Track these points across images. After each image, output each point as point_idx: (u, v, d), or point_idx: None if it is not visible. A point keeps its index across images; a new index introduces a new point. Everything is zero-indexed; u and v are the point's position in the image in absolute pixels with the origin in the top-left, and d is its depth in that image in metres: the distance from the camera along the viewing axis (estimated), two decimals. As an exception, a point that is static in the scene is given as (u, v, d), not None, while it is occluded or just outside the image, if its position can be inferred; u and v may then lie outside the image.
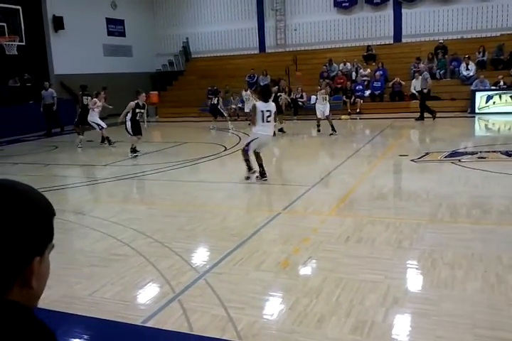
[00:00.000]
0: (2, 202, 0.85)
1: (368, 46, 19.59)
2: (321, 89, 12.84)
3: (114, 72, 20.18)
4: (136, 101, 10.27)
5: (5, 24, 14.35)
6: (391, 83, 17.53)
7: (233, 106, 18.08)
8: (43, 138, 14.95)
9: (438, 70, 17.78)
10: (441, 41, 18.44)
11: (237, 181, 7.86)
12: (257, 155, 7.52)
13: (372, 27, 20.39)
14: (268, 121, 7.20)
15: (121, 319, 3.47)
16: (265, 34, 22.08)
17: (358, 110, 16.81)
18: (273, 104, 7.41)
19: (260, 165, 7.53)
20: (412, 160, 8.62)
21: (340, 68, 19.02)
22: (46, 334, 0.86)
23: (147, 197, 7.38)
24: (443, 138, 11.47)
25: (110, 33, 21.29)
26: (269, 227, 5.42)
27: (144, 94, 10.49)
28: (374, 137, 12.39)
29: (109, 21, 21.18)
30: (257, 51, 22.26)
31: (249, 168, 7.67)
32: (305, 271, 4.25)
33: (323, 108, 12.73)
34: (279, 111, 12.52)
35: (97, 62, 19.79)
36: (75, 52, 18.64)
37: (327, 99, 12.87)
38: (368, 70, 18.46)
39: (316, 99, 13.19)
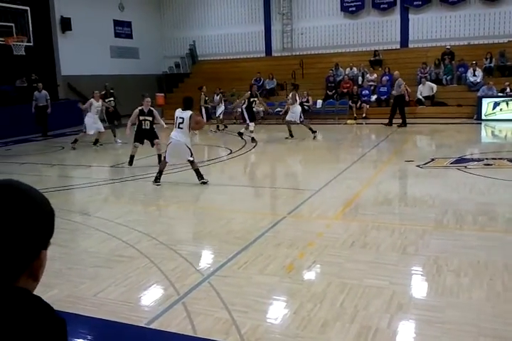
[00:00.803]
0: (14, 201, 0.92)
1: (375, 51, 19.60)
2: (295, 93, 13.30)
3: (120, 74, 20.26)
4: (140, 108, 9.34)
5: (13, 24, 14.44)
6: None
7: (239, 110, 18.08)
8: (49, 139, 15.00)
9: (445, 76, 17.75)
10: (449, 47, 18.43)
11: (242, 184, 7.87)
12: (190, 163, 7.82)
13: (379, 32, 20.40)
14: (180, 128, 7.61)
15: (125, 320, 3.47)
16: (272, 38, 22.13)
17: (364, 115, 16.80)
18: (188, 113, 7.66)
19: (195, 170, 7.79)
20: (418, 166, 8.60)
21: (347, 73, 19.03)
22: (57, 320, 0.92)
23: (153, 198, 7.39)
24: (449, 144, 11.44)
25: (117, 35, 21.39)
26: (274, 231, 5.42)
27: (147, 99, 9.38)
28: (380, 142, 12.37)
29: (117, 23, 21.28)
30: (263, 54, 22.31)
31: (156, 179, 7.85)
32: (309, 275, 4.25)
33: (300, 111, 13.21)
34: (253, 117, 12.76)
35: (104, 64, 19.88)
36: (82, 54, 18.73)
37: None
38: (375, 75, 18.45)
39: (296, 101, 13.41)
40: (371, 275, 4.07)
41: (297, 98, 13.44)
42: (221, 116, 16.01)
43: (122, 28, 21.61)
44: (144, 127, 9.29)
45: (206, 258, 4.87)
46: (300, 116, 13.20)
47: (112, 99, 13.97)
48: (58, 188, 7.79)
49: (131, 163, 9.38)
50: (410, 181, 8.14)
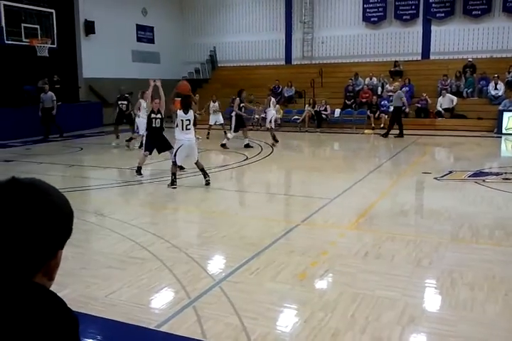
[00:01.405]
0: (36, 201, 0.93)
1: (396, 62, 19.53)
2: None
3: (141, 78, 20.45)
4: (152, 108, 9.00)
5: (38, 26, 14.69)
6: (417, 99, 17.43)
7: (256, 116, 18.15)
8: (69, 139, 15.20)
9: (465, 89, 17.60)
10: (470, 59, 18.28)
11: (256, 191, 7.87)
12: (196, 163, 8.05)
13: (401, 43, 20.33)
14: (188, 129, 7.91)
15: (135, 322, 3.48)
16: (292, 46, 22.20)
17: (382, 125, 16.71)
18: (192, 113, 8.12)
19: (202, 170, 8.06)
20: (435, 178, 8.51)
21: (366, 82, 18.98)
22: (70, 317, 0.94)
23: (167, 202, 7.43)
24: (468, 157, 11.31)
25: (139, 40, 21.65)
26: (287, 238, 5.40)
27: (156, 101, 9.06)
28: (397, 153, 12.28)
29: (139, 28, 21.55)
30: (283, 62, 22.38)
31: (173, 182, 7.93)
32: (322, 284, 4.22)
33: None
34: (242, 124, 12.71)
35: (125, 68, 20.12)
36: (104, 57, 19.00)
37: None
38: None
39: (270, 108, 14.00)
40: (384, 286, 4.03)
41: (271, 103, 14.04)
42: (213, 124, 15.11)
43: (144, 33, 21.88)
44: (154, 125, 8.98)
45: (218, 263, 4.87)
46: (270, 122, 13.86)
47: (125, 102, 13.95)
48: (75, 188, 7.88)
49: (139, 172, 8.98)
50: (427, 193, 8.06)
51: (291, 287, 4.06)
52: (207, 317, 3.52)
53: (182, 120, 7.91)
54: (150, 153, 9.05)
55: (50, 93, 14.95)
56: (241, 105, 12.87)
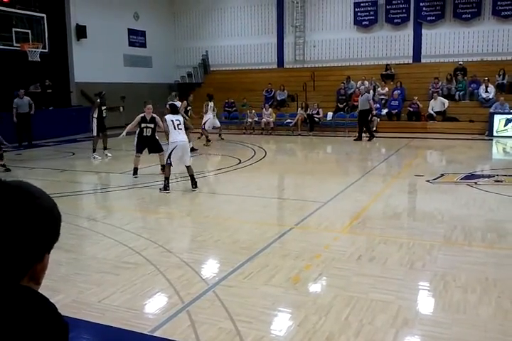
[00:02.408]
0: (22, 203, 0.92)
1: (387, 65, 19.66)
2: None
3: (133, 82, 20.47)
4: (142, 115, 9.29)
5: (29, 31, 14.62)
6: (409, 103, 17.54)
7: (249, 120, 18.18)
8: (61, 144, 15.12)
9: (457, 92, 17.73)
10: (461, 63, 18.43)
11: (249, 194, 7.87)
12: (188, 168, 8.05)
13: (392, 46, 20.47)
14: (180, 129, 7.98)
15: (129, 327, 3.47)
16: (284, 49, 22.28)
17: (374, 128, 16.77)
18: (180, 116, 8.36)
19: (191, 176, 8.04)
20: (428, 181, 8.55)
21: (358, 86, 19.06)
22: (61, 322, 0.93)
23: (160, 206, 7.41)
24: (460, 160, 11.39)
25: (131, 44, 21.63)
26: (281, 242, 5.40)
27: (149, 106, 9.30)
28: (389, 156, 12.35)
29: (131, 32, 21.54)
30: (275, 66, 22.45)
31: (166, 187, 7.93)
32: (315, 287, 4.22)
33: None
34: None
35: (117, 72, 20.10)
36: (95, 61, 18.96)
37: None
38: (386, 89, 18.48)
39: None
40: (377, 289, 4.04)
41: (208, 108, 14.44)
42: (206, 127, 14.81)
43: (136, 37, 21.87)
44: (145, 134, 9.27)
45: (212, 268, 4.86)
46: (205, 123, 14.36)
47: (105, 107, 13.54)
48: (68, 193, 7.84)
49: (135, 173, 9.27)
50: (419, 196, 8.10)
51: (285, 290, 4.06)
52: (201, 321, 3.51)
53: (172, 120, 7.95)
54: (140, 153, 9.33)
55: (26, 98, 14.48)
56: (188, 108, 13.15)
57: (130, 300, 3.90)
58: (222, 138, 15.52)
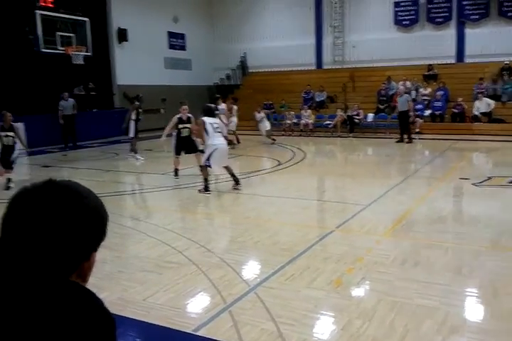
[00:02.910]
0: (71, 203, 0.94)
1: (430, 65, 19.21)
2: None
3: (173, 85, 20.78)
4: (178, 116, 9.44)
5: (73, 35, 15.05)
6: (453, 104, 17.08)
7: (288, 122, 18.14)
8: (105, 145, 15.51)
9: (504, 92, 17.13)
10: (507, 62, 17.80)
11: (289, 196, 7.84)
12: (225, 168, 8.14)
13: (434, 46, 19.96)
14: (219, 132, 8.01)
15: (172, 325, 3.51)
16: (323, 50, 22.12)
17: (417, 130, 16.41)
18: (217, 119, 8.40)
19: (232, 175, 8.16)
20: (474, 184, 8.29)
21: (399, 86, 18.70)
22: (108, 317, 0.94)
23: (202, 207, 7.49)
24: (507, 162, 11.00)
25: (171, 47, 21.97)
26: (322, 245, 5.35)
27: (184, 107, 9.43)
28: (434, 158, 12.06)
29: (171, 35, 21.88)
30: (313, 67, 22.31)
31: (207, 188, 7.97)
32: (358, 291, 4.15)
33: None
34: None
35: (158, 74, 20.45)
36: (137, 64, 19.37)
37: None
38: (429, 90, 18.06)
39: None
40: (423, 294, 3.93)
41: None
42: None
43: (176, 40, 22.20)
44: (182, 135, 9.44)
45: (253, 269, 4.86)
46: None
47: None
48: (111, 193, 8.02)
49: (176, 174, 9.43)
50: (465, 199, 7.87)
51: (327, 294, 4.02)
52: (243, 322, 3.51)
53: (211, 123, 7.95)
54: (179, 155, 9.51)
55: (70, 100, 15.07)
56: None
57: (173, 299, 3.95)
58: (274, 140, 15.11)
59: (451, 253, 4.95)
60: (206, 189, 7.96)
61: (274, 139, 15.15)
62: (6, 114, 8.31)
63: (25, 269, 0.90)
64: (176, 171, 9.43)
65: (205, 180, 8.01)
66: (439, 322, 3.46)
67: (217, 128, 7.99)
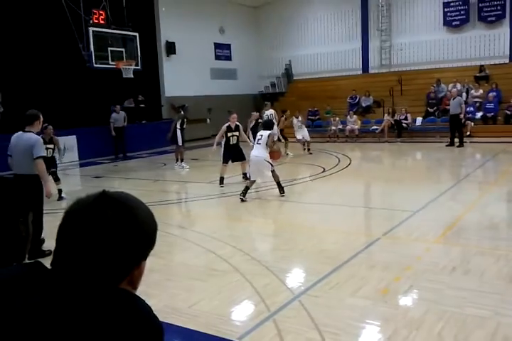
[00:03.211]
0: (122, 214, 0.99)
1: (481, 66, 18.57)
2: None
3: (219, 94, 21.11)
4: (227, 124, 9.63)
5: (123, 49, 15.57)
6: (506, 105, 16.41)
7: (333, 128, 17.99)
8: (153, 156, 15.93)
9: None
10: None
11: (334, 203, 7.76)
12: (272, 176, 8.35)
13: (486, 46, 19.32)
14: (259, 143, 8.27)
15: (218, 333, 3.54)
16: (369, 54, 21.85)
17: (468, 133, 15.87)
18: (267, 132, 8.40)
19: (277, 183, 8.32)
20: (529, 188, 7.94)
21: (450, 89, 18.18)
22: (157, 324, 0.98)
23: (247, 215, 7.54)
24: None
25: (217, 57, 22.36)
26: (368, 252, 5.26)
27: (234, 115, 9.66)
28: (485, 162, 11.61)
29: (217, 46, 22.27)
30: (360, 72, 22.06)
31: (242, 193, 8.10)
32: (405, 300, 4.05)
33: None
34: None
35: (204, 85, 20.83)
36: (184, 76, 19.82)
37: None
38: (480, 91, 17.44)
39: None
40: (473, 303, 3.79)
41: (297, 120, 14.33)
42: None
43: (222, 51, 22.57)
44: (231, 143, 9.66)
45: (297, 277, 4.84)
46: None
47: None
48: (159, 202, 8.22)
49: (221, 182, 9.54)
50: (520, 204, 7.53)
51: (373, 302, 3.94)
52: (287, 330, 3.50)
53: (257, 135, 8.48)
54: (227, 163, 9.67)
55: (122, 113, 15.68)
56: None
57: (218, 307, 4.00)
58: (310, 153, 14.39)
59: (504, 260, 4.74)
60: (241, 194, 8.05)
61: (310, 151, 14.36)
62: (47, 127, 8.74)
63: (78, 277, 0.95)
64: (222, 179, 9.56)
65: (246, 188, 8.13)
66: (490, 333, 3.32)
67: (259, 140, 8.26)
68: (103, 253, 0.95)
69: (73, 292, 0.94)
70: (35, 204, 5.32)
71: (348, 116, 17.95)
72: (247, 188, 8.13)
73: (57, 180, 8.97)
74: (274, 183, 8.33)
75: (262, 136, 8.29)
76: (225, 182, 9.56)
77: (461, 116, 14.37)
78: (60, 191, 8.96)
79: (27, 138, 5.36)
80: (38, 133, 5.63)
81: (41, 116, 5.55)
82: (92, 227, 0.96)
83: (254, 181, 8.35)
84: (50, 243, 5.37)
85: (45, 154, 5.66)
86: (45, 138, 8.51)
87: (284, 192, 8.24)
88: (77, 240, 0.97)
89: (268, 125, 8.72)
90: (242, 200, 7.99)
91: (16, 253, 1.16)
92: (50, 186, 5.61)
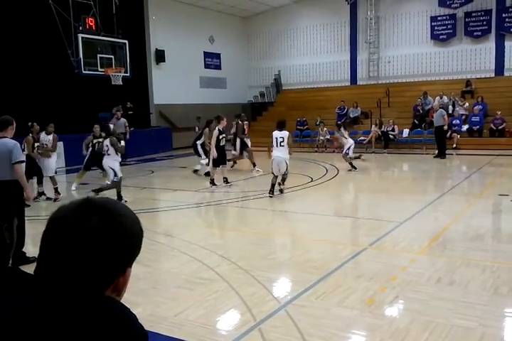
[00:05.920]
0: (108, 222, 0.98)
1: (468, 81, 18.88)
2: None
3: (208, 103, 21.14)
4: (218, 128, 10.16)
5: (113, 56, 15.56)
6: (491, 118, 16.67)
7: (321, 138, 18.10)
8: (141, 163, 15.85)
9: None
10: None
11: (321, 213, 7.79)
12: (283, 175, 9.05)
13: (472, 60, 19.68)
14: (282, 145, 8.86)
15: (202, 343, 3.51)
16: (357, 66, 22.11)
17: (454, 145, 16.06)
18: (286, 132, 9.00)
19: (279, 184, 9.10)
20: (513, 201, 8.03)
21: (436, 101, 18.43)
22: (141, 331, 0.97)
23: (234, 223, 7.53)
24: (549, 178, 10.60)
25: (207, 66, 22.44)
26: (355, 262, 5.28)
27: (225, 120, 10.32)
28: (471, 174, 11.75)
29: (207, 55, 22.37)
30: (348, 83, 22.30)
31: (270, 191, 8.92)
32: (391, 311, 4.06)
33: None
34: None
35: (193, 93, 20.88)
36: (173, 84, 19.85)
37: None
38: (466, 104, 17.71)
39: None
40: (458, 314, 3.81)
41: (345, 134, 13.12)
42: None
43: (212, 60, 22.66)
44: (221, 144, 10.19)
45: (283, 286, 4.83)
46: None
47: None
48: (146, 210, 8.17)
49: (214, 183, 10.07)
50: (504, 216, 7.62)
51: (359, 313, 3.94)
52: (273, 340, 3.49)
53: (276, 138, 8.90)
54: (218, 167, 10.23)
55: (122, 119, 15.62)
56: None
57: (204, 316, 3.97)
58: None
59: (489, 272, 4.78)
60: (269, 191, 8.88)
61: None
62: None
63: (61, 284, 0.94)
64: (213, 181, 10.06)
65: (272, 185, 8.90)
66: (475, 344, 3.34)
67: (281, 142, 8.85)
68: (87, 260, 0.94)
69: (56, 299, 0.93)
70: (18, 209, 5.25)
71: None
72: (273, 185, 8.84)
73: (39, 182, 9.59)
74: (263, 192, 8.41)
75: (282, 138, 8.81)
76: (209, 190, 9.61)
77: (445, 127, 14.55)
78: (40, 194, 9.44)
79: (3, 143, 5.30)
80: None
81: (14, 122, 5.50)
82: (75, 234, 0.95)
83: (277, 176, 9.00)
84: (33, 250, 5.31)
85: (23, 159, 5.57)
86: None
87: (272, 195, 8.88)
88: (61, 247, 0.95)
89: (282, 124, 9.09)
90: (270, 197, 8.81)
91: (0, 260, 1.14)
92: (30, 191, 5.59)
